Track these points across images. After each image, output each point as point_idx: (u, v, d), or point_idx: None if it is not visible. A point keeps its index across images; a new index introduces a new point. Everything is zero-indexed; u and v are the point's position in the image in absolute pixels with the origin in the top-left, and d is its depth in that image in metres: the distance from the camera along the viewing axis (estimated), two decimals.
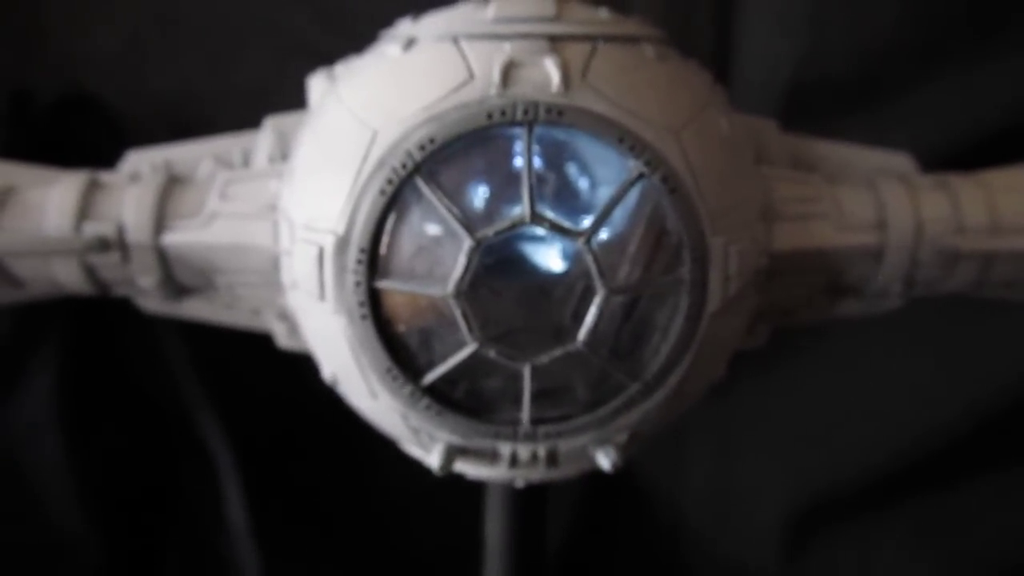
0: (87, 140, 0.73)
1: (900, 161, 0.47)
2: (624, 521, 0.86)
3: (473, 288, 0.34)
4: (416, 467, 0.42)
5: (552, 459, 0.39)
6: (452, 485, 0.44)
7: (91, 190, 0.43)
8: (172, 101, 0.73)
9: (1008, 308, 0.50)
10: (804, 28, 0.70)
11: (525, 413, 0.37)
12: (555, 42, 0.35)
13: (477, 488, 0.48)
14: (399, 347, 0.36)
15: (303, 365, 0.44)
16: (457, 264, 0.34)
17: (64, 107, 0.73)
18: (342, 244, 0.35)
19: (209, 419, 0.79)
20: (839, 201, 0.43)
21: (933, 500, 0.80)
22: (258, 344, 0.49)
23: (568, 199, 0.35)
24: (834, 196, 0.43)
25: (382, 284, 0.35)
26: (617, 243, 0.35)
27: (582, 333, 0.35)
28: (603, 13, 0.38)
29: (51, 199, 0.43)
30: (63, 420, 0.77)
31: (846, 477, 0.81)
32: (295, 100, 0.44)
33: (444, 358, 0.36)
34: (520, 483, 0.43)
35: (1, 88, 0.72)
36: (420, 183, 0.34)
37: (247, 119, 0.47)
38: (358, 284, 0.35)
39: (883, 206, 0.43)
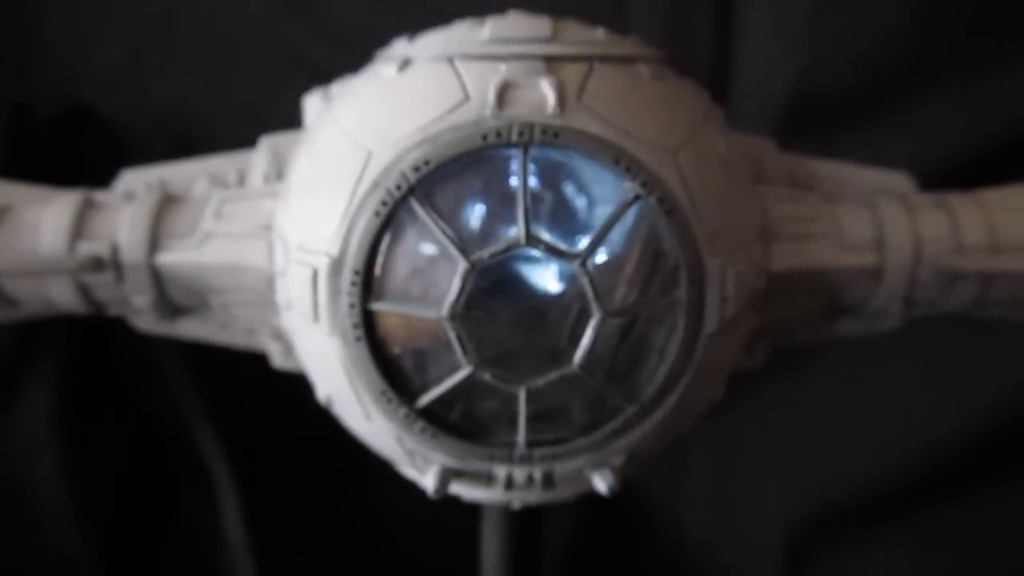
0: (87, 155, 0.73)
1: (898, 180, 0.47)
2: (623, 539, 0.85)
3: (468, 310, 0.34)
4: (413, 486, 0.42)
5: (548, 482, 0.39)
6: (449, 505, 0.43)
7: (85, 209, 0.43)
8: (171, 116, 0.73)
9: (1008, 323, 0.50)
10: (804, 41, 0.69)
11: (521, 436, 0.36)
12: (551, 63, 0.35)
13: (474, 509, 0.48)
14: (394, 369, 0.36)
15: (301, 382, 0.43)
16: (452, 286, 0.34)
17: (64, 122, 0.73)
18: (336, 266, 0.35)
19: (207, 435, 0.79)
20: (837, 221, 0.43)
21: (934, 516, 0.79)
22: (256, 360, 0.49)
23: (564, 221, 0.34)
24: (832, 216, 0.43)
25: (376, 306, 0.35)
26: (613, 265, 0.35)
27: (578, 355, 0.35)
28: (599, 33, 0.38)
29: (45, 218, 0.43)
30: (61, 435, 0.76)
31: (847, 493, 0.80)
32: (295, 115, 0.44)
33: (439, 381, 0.35)
34: (516, 505, 0.42)
35: (1, 103, 0.72)
36: (415, 205, 0.34)
37: (246, 134, 0.47)
38: (352, 306, 0.35)
39: (881, 226, 0.43)
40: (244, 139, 0.47)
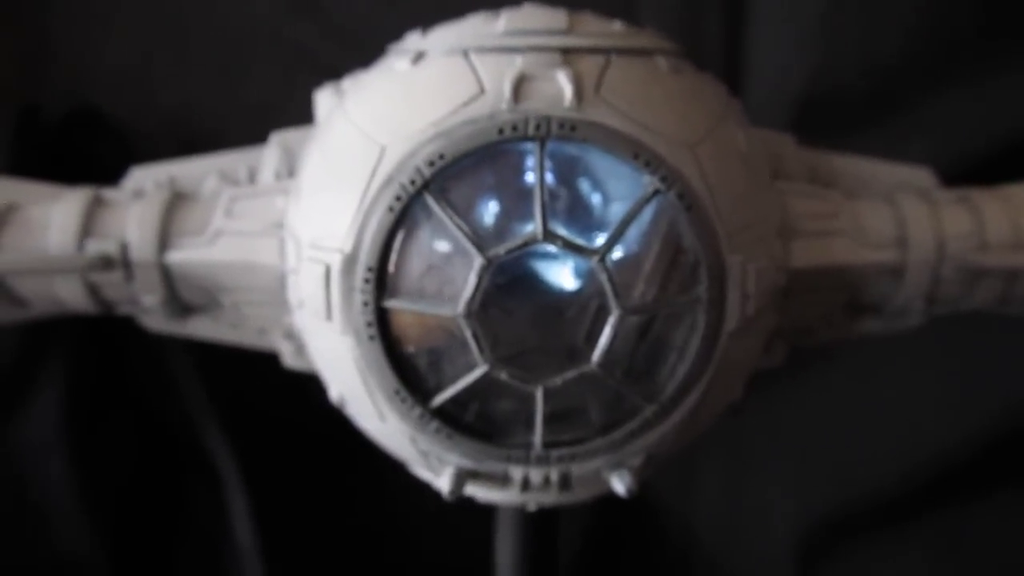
0: (95, 155, 0.72)
1: (920, 176, 0.46)
2: (634, 541, 0.84)
3: (484, 308, 0.33)
4: (426, 487, 0.42)
5: (565, 483, 0.38)
6: (462, 507, 0.43)
7: (94, 207, 0.43)
8: (180, 116, 0.73)
9: None
10: (817, 40, 0.69)
11: (537, 436, 0.36)
12: (567, 55, 0.34)
13: (488, 510, 0.47)
14: (408, 368, 0.35)
15: (311, 382, 0.43)
16: (467, 283, 0.33)
17: (72, 122, 0.73)
18: (349, 263, 0.34)
19: (216, 436, 0.78)
20: (858, 217, 0.42)
21: (947, 518, 0.78)
22: (266, 360, 0.48)
23: (581, 216, 0.34)
24: (853, 212, 0.42)
25: (390, 304, 0.34)
26: (632, 261, 0.34)
27: (596, 354, 0.34)
28: (616, 25, 0.37)
29: (54, 216, 0.42)
30: (70, 437, 0.76)
31: (859, 495, 0.79)
32: (304, 115, 0.44)
33: (454, 380, 0.35)
34: (532, 507, 0.42)
35: (9, 104, 0.72)
36: (429, 200, 0.33)
37: (256, 134, 0.46)
38: (366, 304, 0.34)
39: (903, 222, 0.42)
40: (253, 139, 0.46)
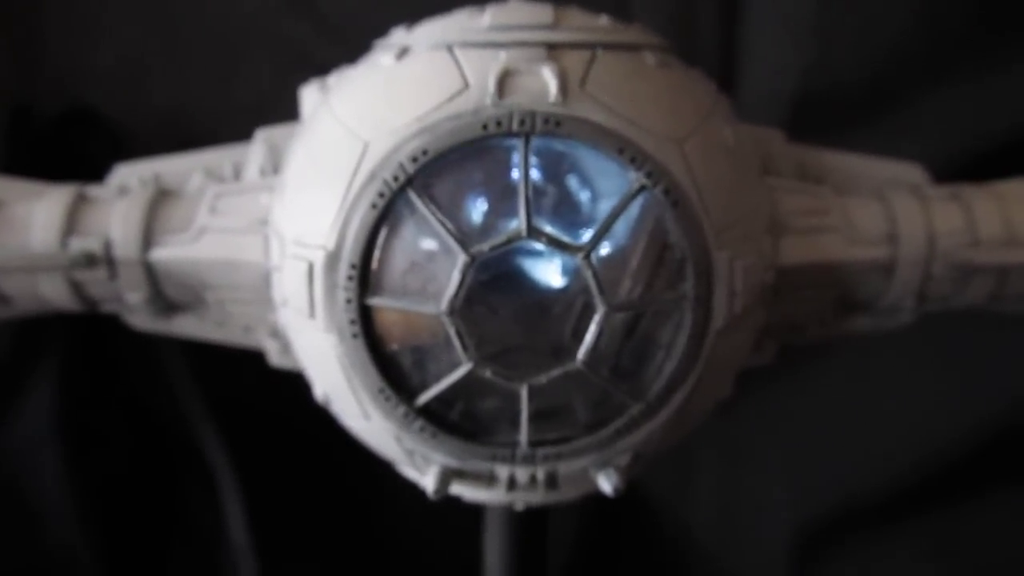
0: (89, 155, 0.72)
1: (911, 172, 0.46)
2: (629, 539, 0.84)
3: (468, 305, 0.33)
4: (417, 487, 0.41)
5: (551, 482, 0.38)
6: (455, 506, 0.43)
7: (78, 204, 0.42)
8: (174, 115, 0.73)
9: (1019, 320, 0.49)
10: (811, 37, 0.69)
11: (523, 435, 0.35)
12: (553, 50, 0.34)
13: (479, 509, 0.47)
14: (392, 366, 0.35)
15: (304, 380, 0.43)
16: (451, 280, 0.33)
17: (66, 122, 0.73)
18: (332, 260, 0.34)
19: (210, 435, 0.78)
20: (848, 214, 0.41)
21: (944, 516, 0.78)
22: (259, 359, 0.48)
23: (567, 212, 0.34)
24: (843, 208, 0.42)
25: (374, 301, 0.34)
26: (618, 258, 0.34)
27: (582, 352, 0.34)
28: (603, 20, 0.37)
29: (37, 213, 0.42)
30: (63, 435, 0.76)
31: (855, 493, 0.80)
32: (298, 114, 0.43)
33: (438, 378, 0.35)
34: (520, 506, 0.41)
35: (2, 103, 0.72)
36: (413, 196, 0.33)
37: (249, 133, 0.46)
38: (349, 301, 0.34)
39: (894, 219, 0.42)
40: (246, 138, 0.46)
